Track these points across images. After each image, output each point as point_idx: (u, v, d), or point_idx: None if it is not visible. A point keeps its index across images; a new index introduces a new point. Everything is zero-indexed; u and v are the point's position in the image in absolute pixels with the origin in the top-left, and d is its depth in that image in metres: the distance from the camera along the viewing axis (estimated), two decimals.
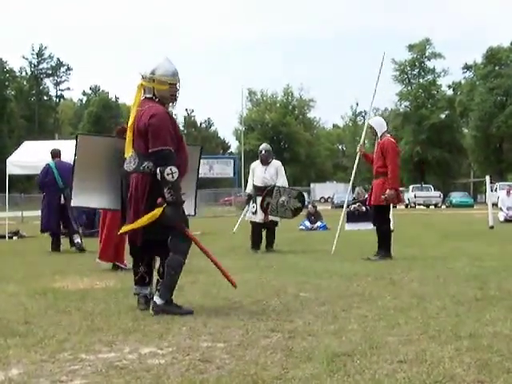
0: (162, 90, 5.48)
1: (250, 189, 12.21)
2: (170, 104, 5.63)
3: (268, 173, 11.92)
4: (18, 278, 7.98)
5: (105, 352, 4.05)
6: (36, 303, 5.91)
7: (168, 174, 5.19)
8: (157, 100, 5.48)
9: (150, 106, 5.41)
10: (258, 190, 11.86)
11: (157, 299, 5.33)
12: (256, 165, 12.22)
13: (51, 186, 13.13)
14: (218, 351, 4.01)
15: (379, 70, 10.02)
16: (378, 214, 9.84)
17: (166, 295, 5.34)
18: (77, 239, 12.80)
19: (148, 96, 5.51)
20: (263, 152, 12.14)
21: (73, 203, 6.25)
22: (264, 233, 11.86)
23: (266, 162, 12.04)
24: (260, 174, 11.99)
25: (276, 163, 12.19)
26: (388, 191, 9.42)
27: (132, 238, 5.60)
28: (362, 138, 10.65)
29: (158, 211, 5.24)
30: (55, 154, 13.59)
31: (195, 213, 6.66)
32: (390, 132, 10.31)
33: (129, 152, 5.47)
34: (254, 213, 11.83)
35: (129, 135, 5.48)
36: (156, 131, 5.29)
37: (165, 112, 5.43)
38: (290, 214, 11.76)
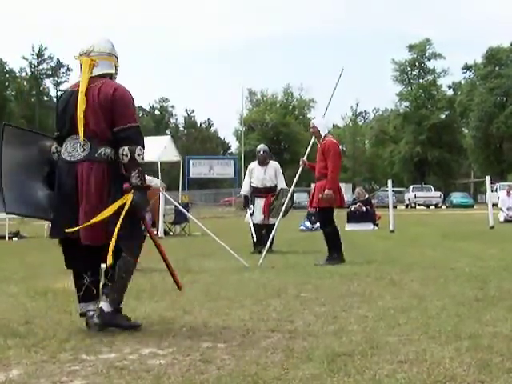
0: (117, 67, 4.97)
1: (246, 190, 12.17)
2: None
3: (268, 174, 11.94)
4: (19, 278, 7.98)
5: (105, 352, 4.05)
6: (36, 303, 5.92)
7: (139, 155, 4.55)
8: (113, 78, 4.89)
9: (104, 81, 4.73)
10: (258, 191, 11.91)
11: (105, 305, 4.60)
12: (254, 166, 12.22)
13: None
14: (218, 351, 4.01)
15: (336, 83, 9.68)
16: (322, 216, 9.57)
17: (115, 302, 4.65)
18: None
19: (106, 71, 4.83)
20: (261, 152, 12.18)
21: (8, 209, 4.99)
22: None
23: (264, 163, 12.06)
24: (259, 175, 11.97)
25: (274, 164, 12.22)
26: (326, 191, 9.08)
27: (88, 239, 4.59)
28: (307, 150, 9.98)
29: (127, 198, 4.54)
30: None
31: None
32: (331, 133, 10.06)
33: (79, 137, 4.64)
34: (252, 214, 11.86)
35: (80, 117, 4.61)
36: (124, 106, 4.65)
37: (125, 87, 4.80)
38: (284, 213, 11.49)
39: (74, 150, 4.67)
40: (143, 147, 4.60)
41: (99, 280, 4.90)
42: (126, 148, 4.53)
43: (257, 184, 11.95)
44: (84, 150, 4.64)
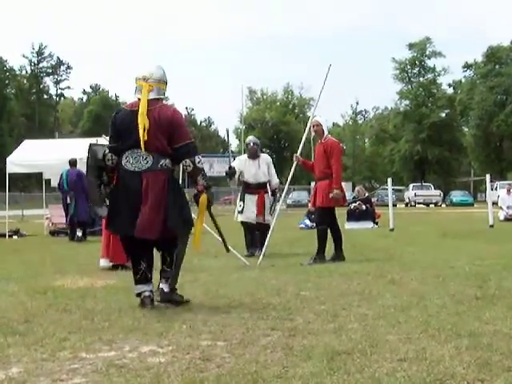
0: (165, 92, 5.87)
1: (235, 165, 10.86)
2: None
3: (261, 169, 10.93)
4: (18, 276, 7.98)
5: (105, 351, 4.05)
6: (36, 302, 5.91)
7: (198, 162, 5.58)
8: (163, 100, 5.82)
9: (161, 104, 5.70)
10: (249, 187, 10.93)
11: (165, 287, 5.62)
12: (244, 158, 11.15)
13: (62, 188, 16.43)
14: (218, 349, 4.01)
15: (324, 80, 9.56)
16: (321, 215, 9.45)
17: (173, 284, 5.70)
18: (78, 233, 15.81)
19: (158, 97, 5.71)
20: (251, 144, 11.15)
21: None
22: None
23: (255, 156, 11.03)
24: (253, 169, 10.91)
25: (266, 158, 11.33)
26: (335, 191, 9.08)
27: (145, 234, 5.47)
28: (300, 147, 9.85)
29: (204, 199, 5.69)
30: (70, 162, 16.20)
31: None
32: (330, 133, 9.88)
33: (140, 151, 5.51)
34: (241, 212, 10.91)
35: (142, 134, 5.47)
36: (182, 126, 5.69)
37: None
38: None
39: (137, 161, 5.53)
40: (199, 156, 5.64)
41: (152, 266, 5.72)
42: (188, 160, 5.54)
43: (248, 179, 10.88)
44: (147, 162, 5.52)
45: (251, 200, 10.84)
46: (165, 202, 5.48)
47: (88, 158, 6.09)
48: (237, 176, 10.75)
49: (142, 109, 5.51)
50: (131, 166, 5.54)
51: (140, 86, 5.67)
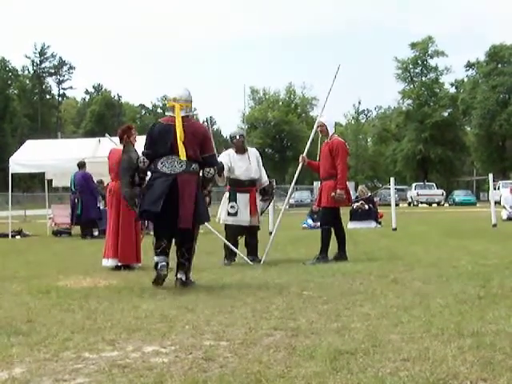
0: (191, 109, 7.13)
1: (223, 160, 9.44)
2: None
3: (252, 164, 9.62)
4: (21, 276, 7.99)
5: (108, 351, 4.06)
6: (39, 302, 5.93)
7: (214, 171, 7.12)
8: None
9: (193, 121, 7.13)
10: (240, 185, 9.51)
11: (183, 277, 6.86)
12: (232, 153, 9.75)
13: (70, 189, 17.50)
14: (220, 349, 4.01)
15: (333, 80, 9.50)
16: (325, 215, 9.49)
17: (188, 274, 6.96)
18: (94, 232, 16.64)
19: (187, 114, 6.98)
20: (237, 137, 9.83)
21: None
22: (243, 239, 9.72)
23: (243, 150, 9.73)
24: (243, 164, 9.59)
25: (255, 152, 9.97)
26: (338, 191, 9.10)
27: (186, 224, 6.69)
28: (306, 148, 9.83)
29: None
30: (79, 164, 16.94)
31: None
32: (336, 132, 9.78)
33: (183, 157, 6.74)
34: (235, 214, 9.42)
35: (180, 144, 6.73)
36: (209, 140, 7.11)
37: None
38: (262, 212, 9.96)
39: (172, 166, 6.76)
40: (216, 167, 7.24)
41: (171, 245, 6.93)
42: (212, 169, 7.04)
43: (239, 176, 9.50)
44: (181, 166, 6.75)
45: (244, 200, 9.47)
46: (196, 198, 6.76)
47: (123, 160, 7.27)
48: (225, 173, 9.30)
49: (178, 124, 6.76)
50: (167, 170, 6.75)
51: (172, 105, 6.97)
